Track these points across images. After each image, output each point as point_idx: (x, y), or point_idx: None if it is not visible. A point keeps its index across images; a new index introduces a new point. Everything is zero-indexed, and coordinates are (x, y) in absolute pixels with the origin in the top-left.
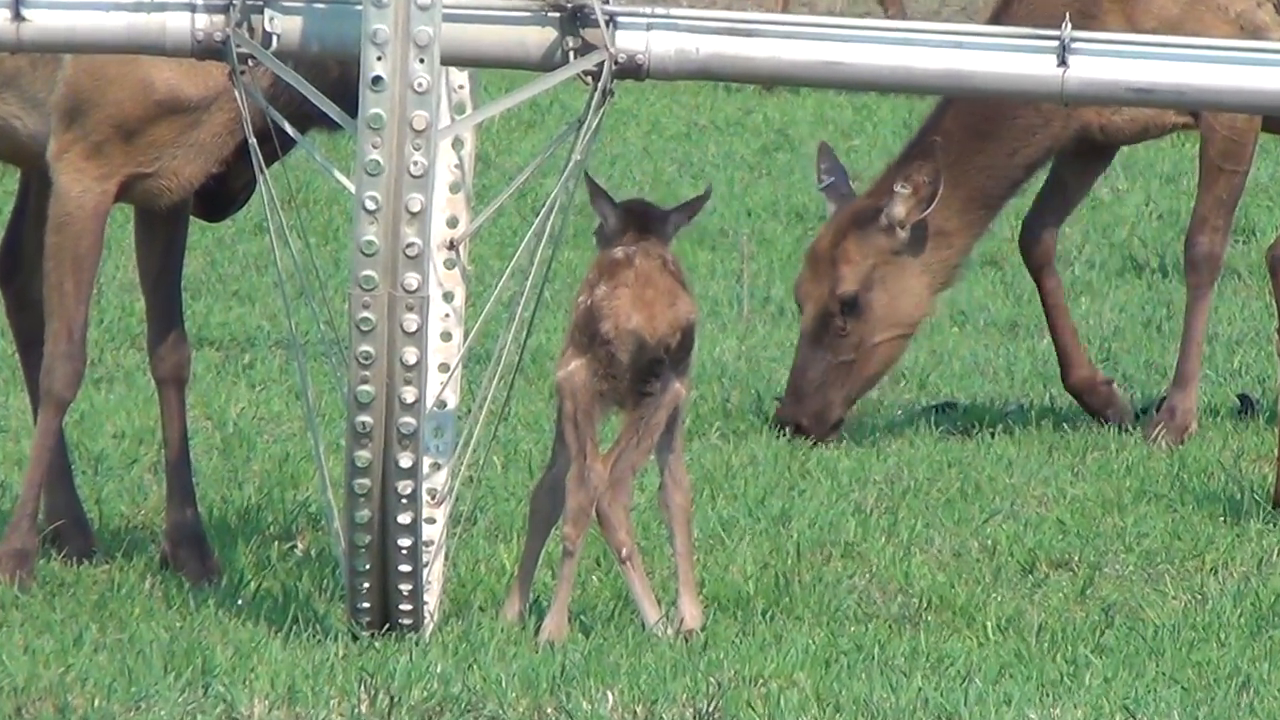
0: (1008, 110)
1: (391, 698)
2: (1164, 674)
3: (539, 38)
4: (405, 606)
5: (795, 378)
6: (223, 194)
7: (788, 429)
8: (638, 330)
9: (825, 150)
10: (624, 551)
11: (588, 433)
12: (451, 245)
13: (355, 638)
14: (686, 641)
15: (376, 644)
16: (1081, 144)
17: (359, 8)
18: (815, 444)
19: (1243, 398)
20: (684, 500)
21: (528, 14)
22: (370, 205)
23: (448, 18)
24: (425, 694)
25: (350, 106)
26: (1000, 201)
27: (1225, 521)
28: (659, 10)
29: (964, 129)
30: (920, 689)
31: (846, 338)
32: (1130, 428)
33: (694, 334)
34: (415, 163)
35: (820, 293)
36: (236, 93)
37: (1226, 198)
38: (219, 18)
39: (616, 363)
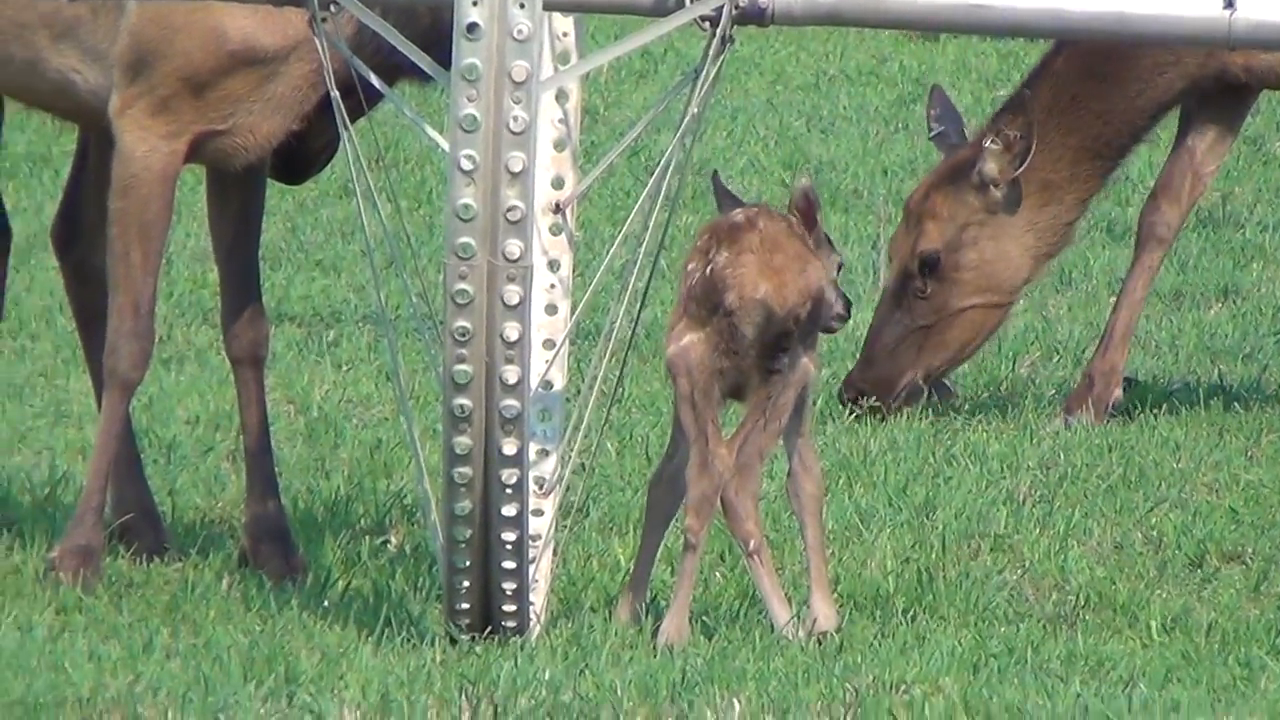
0: (1130, 47)
1: (495, 707)
2: None
3: None
4: (509, 607)
5: (869, 340)
6: (303, 153)
7: (848, 398)
8: (766, 300)
9: (938, 94)
10: (751, 544)
11: (708, 415)
12: (557, 208)
13: (454, 642)
14: (820, 644)
15: (478, 648)
16: (1218, 85)
17: None
18: (881, 416)
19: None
20: (815, 489)
21: None
22: (466, 165)
23: None
24: (532, 702)
25: (443, 56)
26: (1120, 152)
27: None
28: None
29: (1078, 70)
30: (1078, 695)
31: (927, 300)
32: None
33: (825, 304)
34: (515, 118)
35: (905, 250)
36: (318, 41)
37: None
38: None
39: (740, 337)
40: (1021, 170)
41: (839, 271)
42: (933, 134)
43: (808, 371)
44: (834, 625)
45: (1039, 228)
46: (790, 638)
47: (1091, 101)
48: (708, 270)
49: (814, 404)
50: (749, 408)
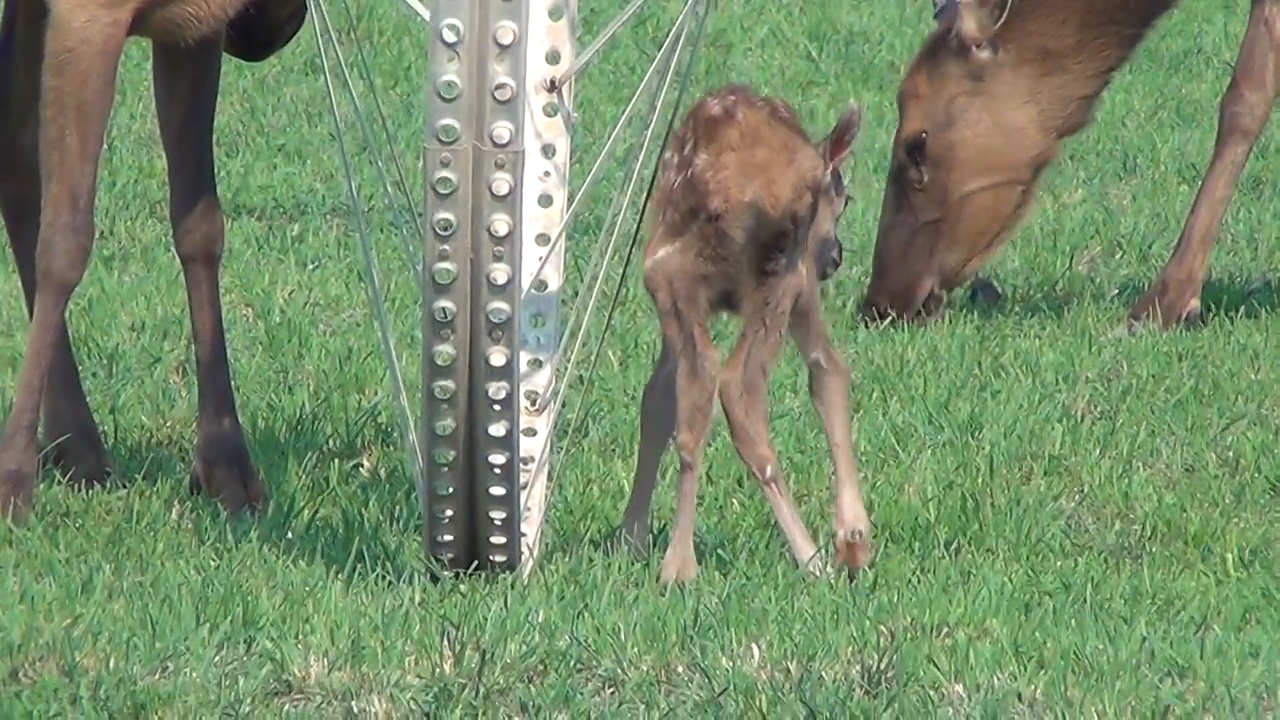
0: None
1: (482, 654)
2: None
3: None
4: (498, 540)
5: (876, 251)
6: (265, 24)
7: (869, 317)
8: (756, 202)
9: None
10: (768, 470)
11: (693, 320)
12: (552, 86)
13: (435, 579)
14: (851, 580)
15: (462, 587)
16: None
17: None
18: (912, 326)
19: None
20: (841, 382)
21: None
22: (449, 36)
23: None
24: (524, 649)
25: None
26: (1144, 17)
27: None
28: None
29: None
30: (1145, 639)
31: (925, 191)
32: None
33: (823, 193)
34: None
35: (896, 141)
36: None
37: None
38: None
39: (729, 243)
40: (1001, 22)
41: (845, 208)
42: (938, 9)
43: (801, 276)
44: (865, 526)
45: (1043, 99)
46: (817, 574)
47: None
48: (688, 174)
49: (820, 305)
50: (746, 318)
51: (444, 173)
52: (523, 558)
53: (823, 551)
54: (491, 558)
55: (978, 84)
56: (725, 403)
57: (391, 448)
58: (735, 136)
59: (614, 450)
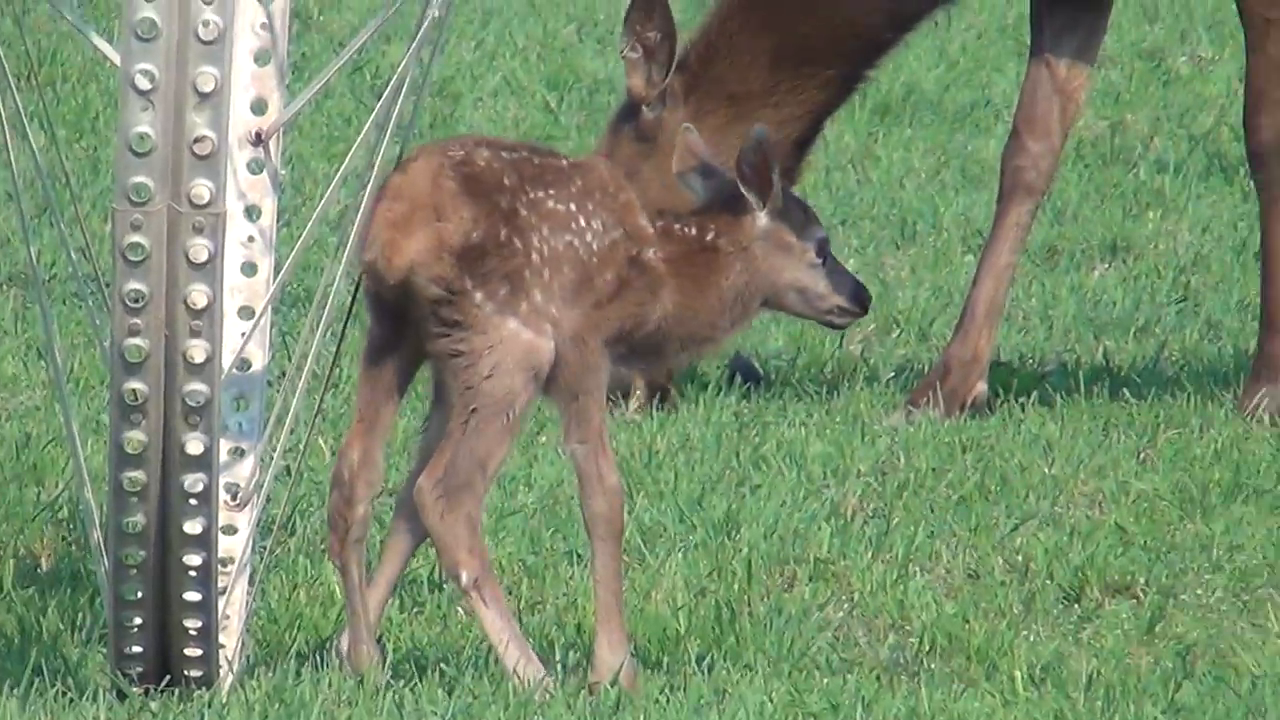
0: None
1: None
2: None
3: None
4: (194, 651)
5: None
6: None
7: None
8: (375, 260)
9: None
10: (463, 578)
11: (361, 398)
12: (258, 140)
13: (123, 696)
14: (591, 695)
15: (153, 705)
16: None
17: None
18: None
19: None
20: (604, 505)
21: None
22: (143, 83)
23: None
24: None
25: None
26: (850, 58)
27: None
28: None
29: None
30: None
31: None
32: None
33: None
34: (206, 22)
35: None
36: None
37: None
38: None
39: (378, 309)
40: (669, 78)
41: (821, 250)
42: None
43: (531, 349)
44: (615, 676)
45: (729, 148)
46: (541, 693)
47: None
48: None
49: (603, 389)
50: (452, 406)
51: (135, 237)
52: (221, 672)
53: (558, 666)
54: (186, 672)
55: (649, 145)
56: (419, 508)
57: (74, 547)
58: (391, 187)
59: (323, 551)
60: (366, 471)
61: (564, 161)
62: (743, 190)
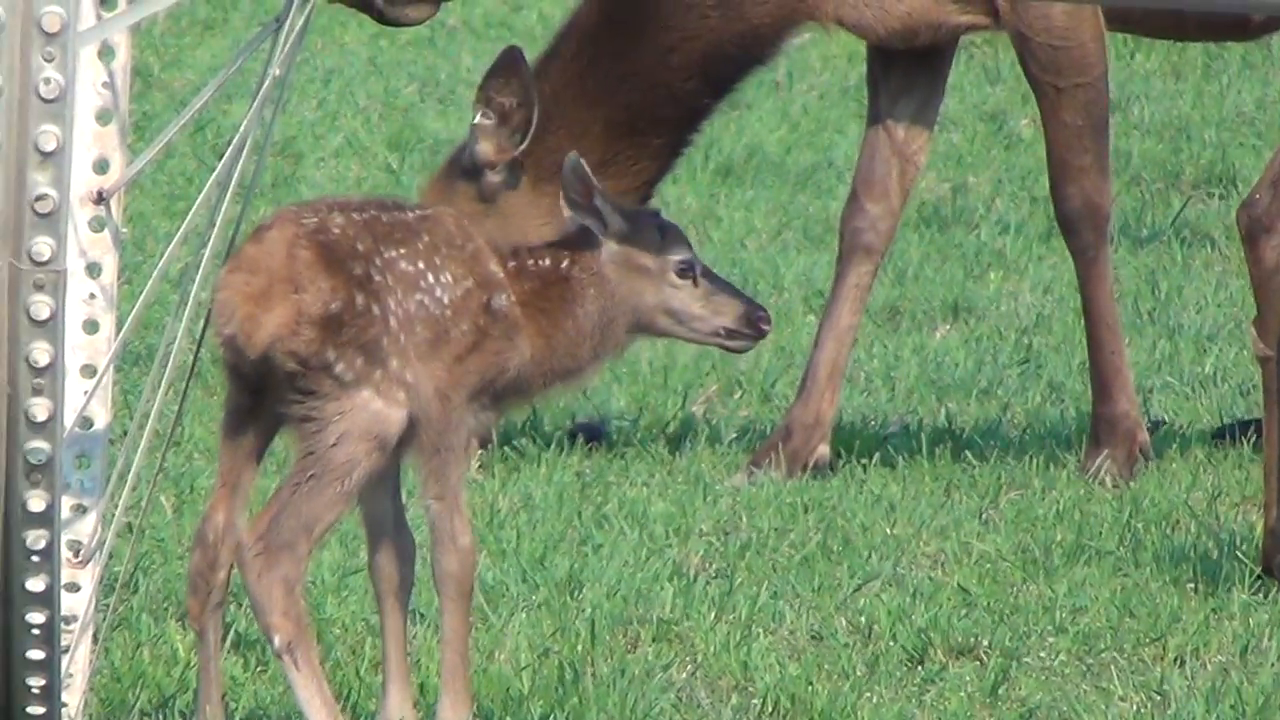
0: None
1: None
2: None
3: None
4: (36, 710)
5: None
6: None
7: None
8: (234, 335)
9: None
10: (277, 640)
11: (222, 463)
12: (100, 198)
13: None
14: None
15: None
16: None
17: None
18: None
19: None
20: (457, 565)
21: None
22: None
23: None
24: None
25: None
26: (671, 126)
27: (1196, 590)
28: None
29: (598, 17)
30: None
31: None
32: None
33: (340, 333)
34: (47, 80)
35: None
36: None
37: (1084, 123)
38: None
39: (235, 377)
40: (524, 146)
41: (684, 271)
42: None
43: (378, 418)
44: None
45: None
46: None
47: (611, 61)
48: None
49: (466, 449)
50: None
51: None
52: None
53: None
54: None
55: (488, 206)
56: (238, 565)
57: None
58: (247, 257)
59: (167, 609)
60: (230, 536)
61: (410, 214)
62: (580, 219)
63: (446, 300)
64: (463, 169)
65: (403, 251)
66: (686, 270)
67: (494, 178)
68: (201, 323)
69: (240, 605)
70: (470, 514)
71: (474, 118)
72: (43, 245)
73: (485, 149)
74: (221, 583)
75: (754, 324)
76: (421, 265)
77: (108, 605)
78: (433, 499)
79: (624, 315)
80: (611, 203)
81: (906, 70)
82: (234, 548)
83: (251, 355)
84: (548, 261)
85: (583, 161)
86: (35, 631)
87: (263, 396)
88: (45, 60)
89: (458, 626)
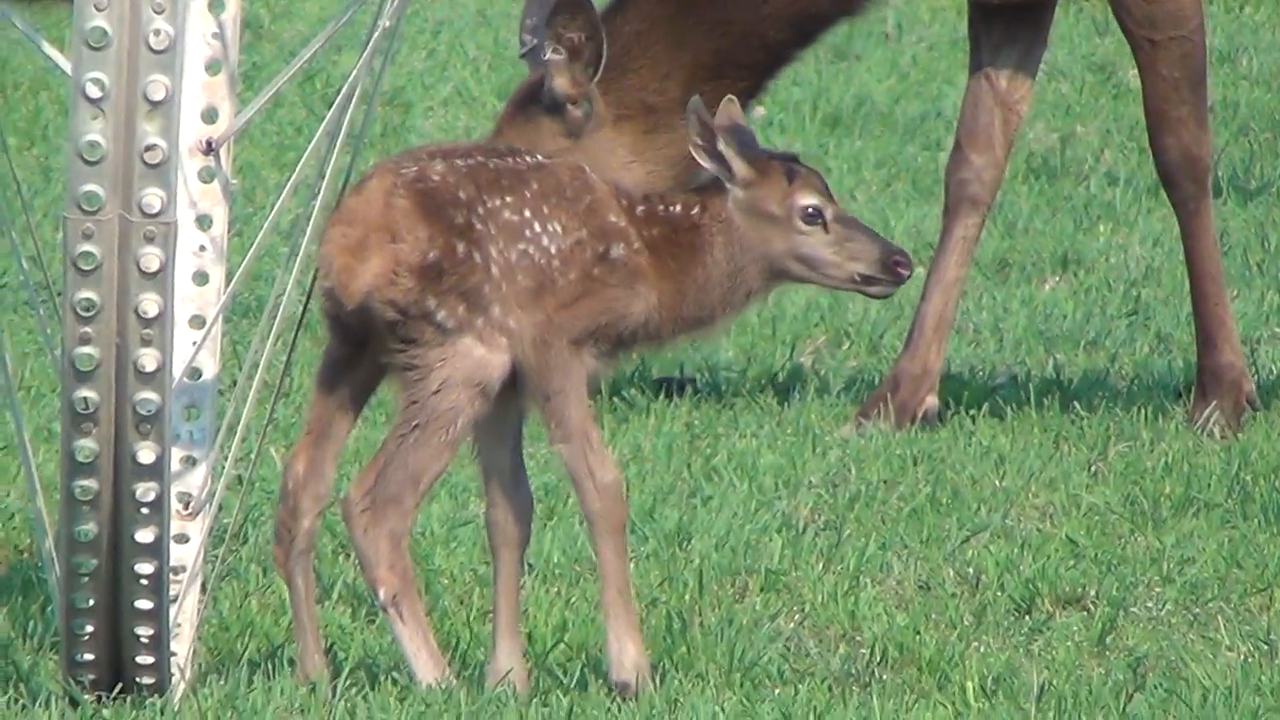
0: None
1: None
2: None
3: None
4: (145, 659)
5: None
6: None
7: None
8: (333, 286)
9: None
10: (381, 594)
11: (313, 413)
12: (209, 148)
13: (75, 704)
14: (623, 697)
15: (105, 713)
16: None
17: None
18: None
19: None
20: (599, 502)
21: None
22: (94, 91)
23: None
24: None
25: None
26: (759, 72)
27: None
28: None
29: None
30: None
31: None
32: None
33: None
34: (157, 31)
35: None
36: None
37: (1181, 75)
38: None
39: (338, 327)
40: (598, 78)
41: (811, 217)
42: (524, 49)
43: (480, 365)
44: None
45: (647, 159)
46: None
47: (706, 7)
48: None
49: (578, 388)
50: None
51: (86, 246)
52: (173, 680)
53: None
54: (138, 679)
55: (574, 143)
56: (344, 519)
57: (25, 554)
58: (347, 210)
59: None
60: (313, 484)
61: (522, 162)
62: (705, 164)
63: (554, 250)
64: (545, 106)
65: (508, 200)
66: (814, 216)
67: (576, 112)
68: (311, 274)
69: (349, 556)
70: (607, 450)
71: (546, 54)
72: (152, 197)
73: (561, 84)
74: (306, 531)
75: (891, 269)
76: (528, 214)
77: (216, 556)
78: (559, 443)
79: (754, 263)
80: (740, 148)
81: (1009, 21)
82: (317, 496)
83: (349, 305)
84: (679, 208)
85: (703, 106)
86: (144, 582)
87: (363, 349)
88: (155, 11)
89: (614, 562)
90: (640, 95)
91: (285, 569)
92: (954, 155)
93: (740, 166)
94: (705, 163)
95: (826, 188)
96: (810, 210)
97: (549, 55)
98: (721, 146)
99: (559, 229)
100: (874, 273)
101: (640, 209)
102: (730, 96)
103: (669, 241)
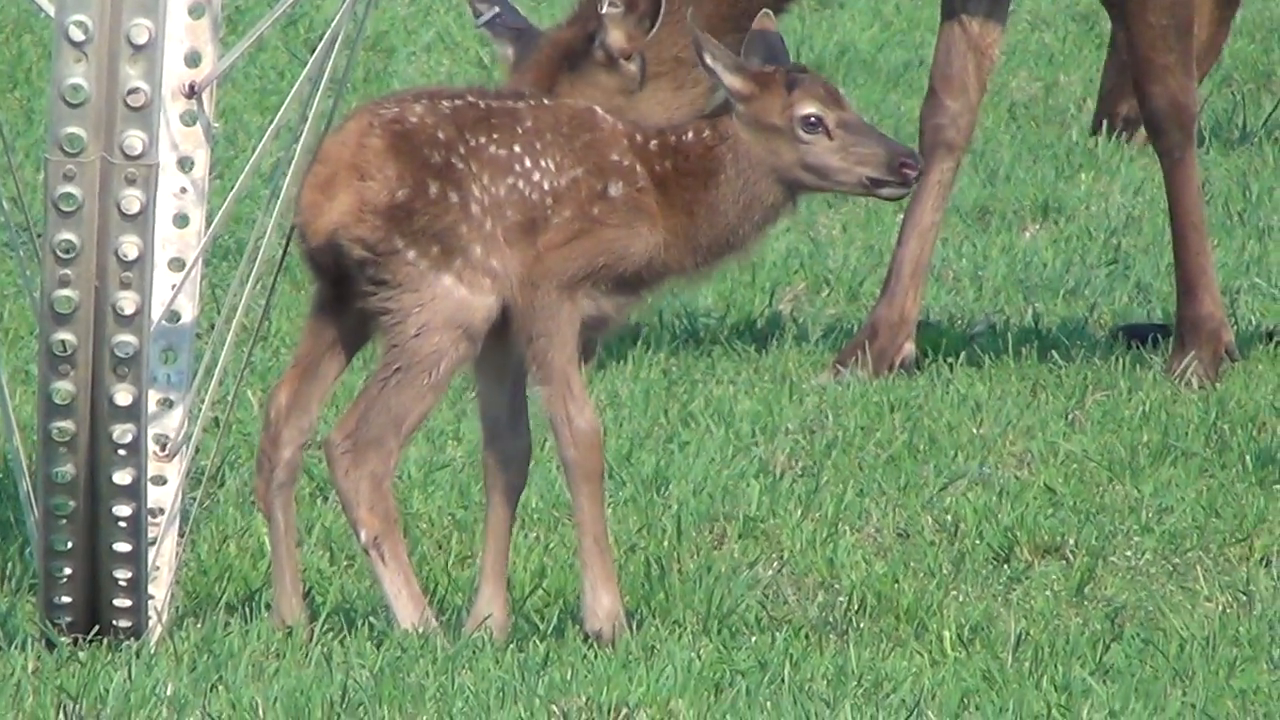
0: None
1: None
2: (1192, 706)
3: None
4: (123, 602)
5: None
6: None
7: None
8: (300, 223)
9: None
10: (362, 535)
11: (296, 355)
12: (191, 92)
13: (52, 646)
14: (599, 643)
15: (81, 654)
16: None
17: None
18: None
19: None
20: (574, 449)
21: None
22: (77, 34)
23: None
24: None
25: None
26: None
27: None
28: None
29: None
30: None
31: None
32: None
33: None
34: None
35: None
36: None
37: (1169, 23)
38: None
39: (315, 269)
40: (653, 35)
41: (811, 125)
42: (481, 21)
43: (462, 306)
44: (612, 620)
45: (680, 114)
46: (419, 633)
47: None
48: None
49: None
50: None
51: (67, 188)
52: (150, 622)
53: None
54: (115, 622)
55: (629, 98)
56: (326, 461)
57: (2, 497)
58: (324, 150)
59: (253, 502)
60: (296, 416)
61: (520, 103)
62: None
63: (547, 186)
64: (597, 63)
65: (495, 137)
66: (816, 124)
67: (630, 67)
68: (290, 217)
69: (327, 499)
70: (588, 396)
71: (603, 8)
72: (134, 139)
73: (617, 37)
74: (286, 462)
75: (898, 170)
76: (517, 149)
77: (194, 499)
78: (539, 385)
79: (766, 176)
80: (738, 64)
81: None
82: (300, 429)
83: (314, 242)
84: (690, 135)
85: (699, 30)
86: (122, 524)
87: (346, 290)
88: None
89: (590, 510)
90: (670, 50)
91: (265, 501)
92: (928, 100)
93: (734, 80)
94: (711, 79)
95: (831, 94)
96: (811, 118)
97: (605, 9)
98: (710, 61)
99: (552, 165)
100: (882, 175)
101: (654, 143)
102: (766, 10)
103: (680, 172)
